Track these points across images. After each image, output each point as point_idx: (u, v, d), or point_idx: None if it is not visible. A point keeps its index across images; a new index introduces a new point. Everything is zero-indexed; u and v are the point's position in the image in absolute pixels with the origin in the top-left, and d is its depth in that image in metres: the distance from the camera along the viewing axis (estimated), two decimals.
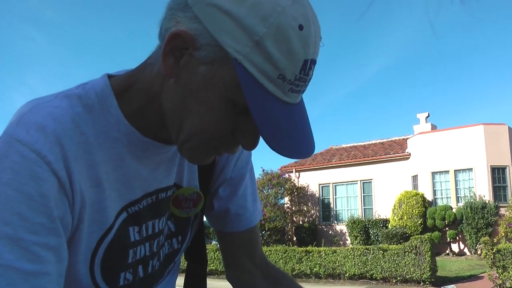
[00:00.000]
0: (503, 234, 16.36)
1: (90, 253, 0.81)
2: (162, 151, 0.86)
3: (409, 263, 12.37)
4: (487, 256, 11.48)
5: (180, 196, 0.94)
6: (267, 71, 0.68)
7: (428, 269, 12.14)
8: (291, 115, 0.72)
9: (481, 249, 16.24)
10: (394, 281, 12.69)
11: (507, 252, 11.29)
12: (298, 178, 23.72)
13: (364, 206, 22.12)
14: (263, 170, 22.54)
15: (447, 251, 18.40)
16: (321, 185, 23.42)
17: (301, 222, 22.58)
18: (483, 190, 18.31)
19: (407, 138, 22.23)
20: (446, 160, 19.24)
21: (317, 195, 23.40)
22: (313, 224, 22.50)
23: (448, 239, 18.37)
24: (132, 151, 0.82)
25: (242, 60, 0.67)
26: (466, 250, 18.45)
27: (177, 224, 0.97)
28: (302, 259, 14.04)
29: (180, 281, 1.06)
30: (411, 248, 12.37)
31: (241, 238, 1.08)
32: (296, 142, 0.72)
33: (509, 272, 11.22)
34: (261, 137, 0.70)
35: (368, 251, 13.10)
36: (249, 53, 0.67)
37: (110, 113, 0.80)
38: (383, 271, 12.77)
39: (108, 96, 0.80)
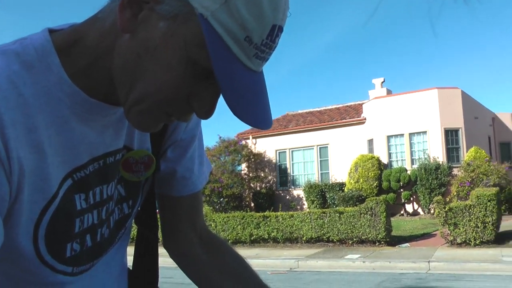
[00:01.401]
0: (455, 194, 16.65)
1: (33, 224, 0.76)
2: (109, 112, 0.80)
3: (365, 224, 12.50)
4: (440, 215, 11.69)
5: (130, 159, 0.89)
6: (234, 32, 0.64)
7: (383, 229, 12.30)
8: (254, 82, 0.69)
9: (434, 209, 16.64)
10: (350, 242, 12.83)
11: (458, 210, 11.54)
12: (255, 144, 23.57)
13: (320, 170, 22.21)
14: (220, 137, 22.34)
15: (402, 212, 18.72)
16: (278, 151, 23.38)
17: (258, 188, 22.50)
18: (437, 152, 18.57)
19: (363, 103, 22.30)
20: (401, 123, 19.38)
21: (274, 161, 23.37)
22: (271, 190, 22.58)
23: (403, 200, 18.68)
24: (77, 113, 0.76)
25: (209, 17, 0.64)
26: (419, 210, 18.83)
27: (127, 188, 0.92)
28: (260, 225, 13.96)
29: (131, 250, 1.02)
30: (367, 210, 12.48)
31: (184, 204, 1.04)
32: (259, 111, 0.69)
33: (460, 229, 11.52)
34: (217, 103, 0.71)
35: (325, 215, 13.14)
36: (217, 10, 0.63)
37: (51, 71, 0.74)
38: (339, 233, 12.86)
39: (49, 52, 0.74)
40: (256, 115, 0.68)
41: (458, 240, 11.57)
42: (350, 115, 22.39)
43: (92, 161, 0.81)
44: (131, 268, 1.06)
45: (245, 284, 1.04)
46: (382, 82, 22.74)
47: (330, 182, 20.85)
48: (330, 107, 25.44)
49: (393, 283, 8.44)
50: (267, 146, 23.46)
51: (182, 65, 0.67)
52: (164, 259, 1.18)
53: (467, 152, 18.19)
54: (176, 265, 1.10)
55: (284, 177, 23.18)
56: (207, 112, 0.73)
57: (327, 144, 22.09)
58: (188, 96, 0.70)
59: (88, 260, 0.88)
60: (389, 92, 22.36)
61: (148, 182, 0.97)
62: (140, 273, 1.05)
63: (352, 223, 12.68)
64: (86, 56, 0.74)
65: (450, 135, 18.89)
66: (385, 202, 12.85)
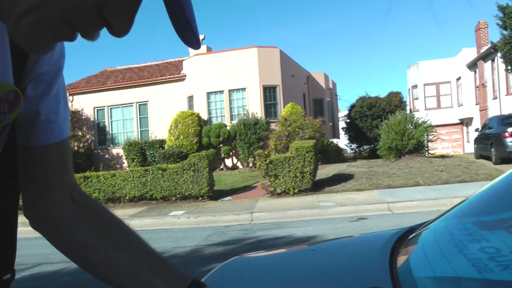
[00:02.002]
0: (273, 147, 17.22)
1: None
2: None
3: (188, 180, 12.36)
4: (261, 167, 11.88)
5: None
6: None
7: (206, 184, 12.21)
8: None
9: (253, 162, 17.07)
10: (174, 199, 12.59)
11: (279, 162, 11.84)
12: (71, 102, 21.77)
13: (140, 128, 21.52)
14: None
15: (222, 167, 18.93)
16: (96, 109, 22.05)
17: (76, 148, 20.91)
18: (256, 108, 18.98)
19: (183, 60, 21.80)
20: (221, 80, 19.39)
21: (92, 119, 22.04)
22: (89, 149, 21.41)
23: (223, 155, 18.89)
24: None
25: None
26: (239, 164, 19.23)
27: None
28: (81, 185, 12.73)
29: None
30: (190, 166, 12.29)
31: (50, 156, 0.81)
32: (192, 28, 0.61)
33: (280, 180, 11.85)
34: None
35: (148, 172, 12.65)
36: None
37: None
38: (162, 191, 12.52)
39: None
40: (191, 32, 0.61)
41: (278, 190, 11.92)
42: (170, 72, 21.87)
43: None
44: None
45: (132, 253, 0.83)
46: (203, 39, 22.50)
47: (150, 140, 20.41)
48: (150, 63, 24.69)
49: (220, 236, 8.25)
50: (84, 103, 21.99)
51: None
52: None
53: (284, 108, 18.91)
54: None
55: (102, 135, 22.04)
56: (125, 26, 0.59)
57: (147, 101, 21.39)
58: (101, 6, 0.56)
59: None
60: (209, 50, 22.34)
61: (6, 129, 0.76)
62: None
63: (175, 180, 12.42)
64: None
65: (268, 91, 19.44)
66: (207, 157, 12.68)
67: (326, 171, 14.83)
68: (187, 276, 0.83)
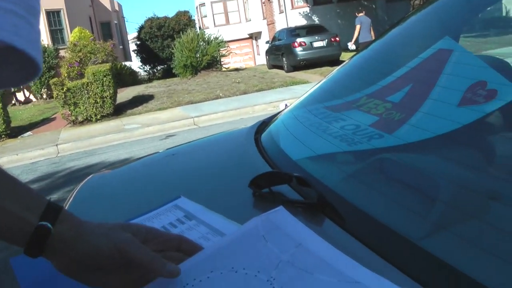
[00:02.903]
0: (65, 75, 15.91)
1: None
2: None
3: None
4: (59, 96, 10.96)
5: None
6: None
7: (3, 121, 10.90)
8: None
9: (47, 93, 15.71)
10: None
11: (77, 89, 11.09)
12: None
13: None
14: None
15: (13, 102, 17.04)
16: None
17: None
18: (41, 35, 17.09)
19: None
20: None
21: None
22: None
23: (13, 89, 16.88)
24: None
25: None
26: (32, 97, 17.53)
27: None
28: None
29: None
30: None
31: None
32: None
33: (80, 107, 11.17)
34: None
35: None
36: None
37: None
38: None
39: None
40: None
41: (80, 118, 11.25)
42: None
43: None
44: None
45: None
46: None
47: None
48: None
49: (30, 174, 7.54)
50: None
51: None
52: None
53: (71, 33, 17.44)
54: None
55: None
56: None
57: None
58: None
59: None
60: None
61: None
62: None
63: None
64: None
65: (52, 16, 17.66)
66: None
67: (125, 94, 14.37)
68: (43, 199, 0.70)
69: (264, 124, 1.47)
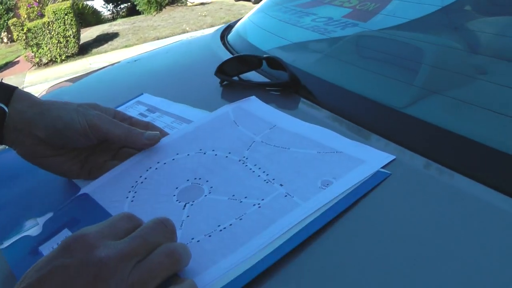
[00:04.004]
0: (25, 16, 15.10)
1: None
2: None
3: None
4: (20, 38, 10.43)
5: None
6: None
7: None
8: None
9: (8, 37, 14.97)
10: None
11: (38, 29, 10.56)
12: None
13: None
14: None
15: None
16: None
17: None
18: None
19: None
20: None
21: None
22: None
23: None
24: None
25: None
26: None
27: None
28: None
29: None
30: None
31: None
32: None
33: (43, 48, 10.70)
34: None
35: None
36: None
37: None
38: None
39: None
40: None
41: (44, 60, 10.79)
42: None
43: None
44: None
45: None
46: None
47: None
48: None
49: None
50: None
51: None
52: None
53: None
54: None
55: None
56: None
57: None
58: None
59: None
60: None
61: None
62: None
63: None
64: None
65: None
66: None
67: (89, 33, 13.79)
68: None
69: (229, 27, 1.36)
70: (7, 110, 0.59)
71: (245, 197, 0.52)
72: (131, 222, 0.44)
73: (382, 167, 0.53)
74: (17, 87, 0.62)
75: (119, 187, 0.59)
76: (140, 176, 0.60)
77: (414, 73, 0.71)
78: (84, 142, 0.61)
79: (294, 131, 0.64)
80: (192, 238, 0.47)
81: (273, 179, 0.54)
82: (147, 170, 0.61)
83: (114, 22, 16.35)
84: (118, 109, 0.70)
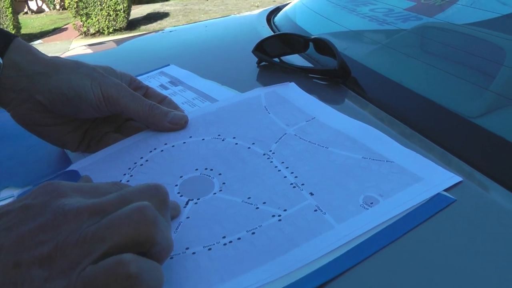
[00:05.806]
0: None
1: None
2: None
3: None
4: (71, 6, 10.62)
5: None
6: None
7: (12, 27, 10.61)
8: None
9: (60, 4, 15.27)
10: None
11: (90, 0, 10.57)
12: None
13: None
14: None
15: (25, 10, 16.64)
16: None
17: None
18: None
19: None
20: None
21: None
22: None
23: None
24: None
25: None
26: (44, 6, 17.09)
27: None
28: None
29: None
30: None
31: None
32: None
33: (92, 19, 10.81)
34: None
35: None
36: None
37: None
38: None
39: None
40: None
41: (92, 30, 10.93)
42: None
43: None
44: None
45: None
46: None
47: None
48: None
49: None
50: None
51: None
52: None
53: None
54: None
55: None
56: None
57: None
58: None
59: None
60: None
61: None
62: None
63: None
64: None
65: None
66: None
67: (140, 10, 13.93)
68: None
69: (278, 9, 1.25)
70: (1, 61, 0.49)
71: (264, 203, 0.41)
72: (117, 186, 0.35)
73: (445, 190, 0.41)
74: (17, 36, 0.52)
75: (114, 167, 0.49)
76: (141, 158, 0.50)
77: (492, 76, 0.58)
78: (94, 114, 0.51)
79: (336, 127, 0.53)
80: (187, 248, 0.37)
81: (302, 184, 0.43)
82: (151, 152, 0.50)
83: (166, 2, 16.46)
84: (139, 78, 0.60)
